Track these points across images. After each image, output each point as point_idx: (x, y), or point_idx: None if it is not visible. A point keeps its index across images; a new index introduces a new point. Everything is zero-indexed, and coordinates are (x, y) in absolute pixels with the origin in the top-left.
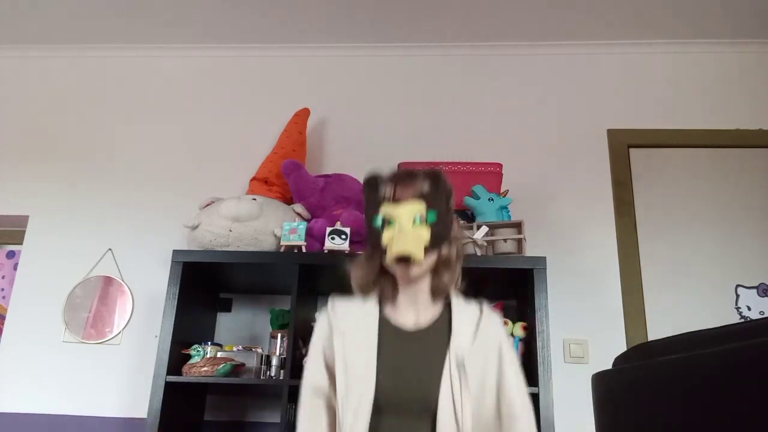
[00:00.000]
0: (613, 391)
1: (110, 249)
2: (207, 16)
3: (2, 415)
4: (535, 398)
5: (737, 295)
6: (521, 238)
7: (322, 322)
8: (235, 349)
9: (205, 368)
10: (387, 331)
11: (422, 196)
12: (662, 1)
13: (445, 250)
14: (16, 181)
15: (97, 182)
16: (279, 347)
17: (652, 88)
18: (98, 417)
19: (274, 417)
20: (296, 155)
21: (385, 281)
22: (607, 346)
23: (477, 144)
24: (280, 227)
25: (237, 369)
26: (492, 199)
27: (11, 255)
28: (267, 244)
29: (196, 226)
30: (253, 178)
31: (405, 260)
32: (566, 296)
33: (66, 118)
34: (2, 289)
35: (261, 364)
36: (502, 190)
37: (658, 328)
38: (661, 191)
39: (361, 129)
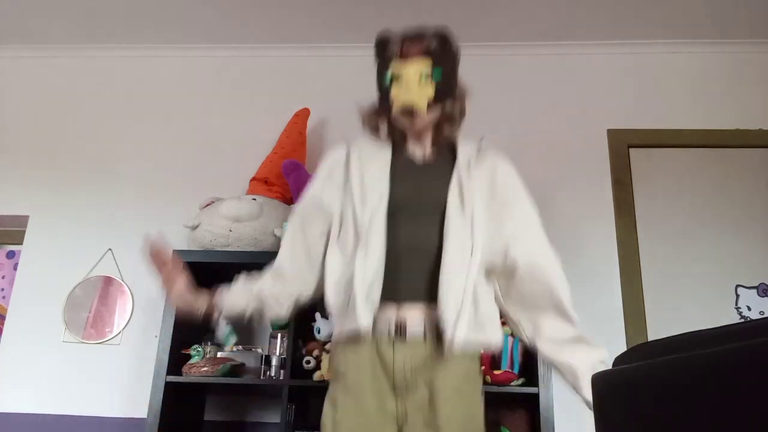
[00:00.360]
0: (613, 391)
1: (110, 249)
2: (207, 17)
3: (2, 415)
4: (535, 398)
5: (737, 295)
6: None
7: (337, 149)
8: (234, 349)
9: (205, 368)
10: (398, 159)
11: (429, 54)
12: (662, 1)
13: (449, 106)
14: (17, 181)
15: (97, 182)
16: (279, 347)
17: (652, 88)
18: (98, 417)
19: (274, 417)
20: (296, 155)
21: (395, 128)
22: (607, 346)
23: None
24: (280, 227)
25: (237, 369)
26: None
27: (11, 255)
28: (267, 244)
29: (196, 227)
30: (253, 178)
31: (409, 112)
32: None
33: (66, 118)
34: (2, 289)
35: (261, 364)
36: None
37: (658, 328)
38: (661, 191)
39: (361, 129)
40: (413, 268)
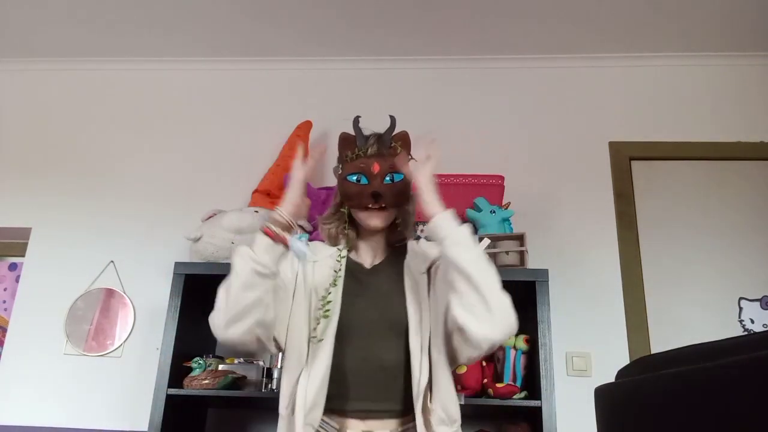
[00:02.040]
0: (616, 404)
1: (112, 261)
2: (209, 30)
3: (3, 428)
4: (537, 411)
5: (740, 308)
6: (523, 251)
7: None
8: (236, 361)
9: (206, 381)
10: (349, 267)
11: (393, 157)
12: (664, 14)
13: (406, 208)
14: (19, 194)
15: (99, 195)
16: (280, 360)
17: (653, 100)
18: (99, 430)
19: (274, 429)
20: None
21: (351, 231)
22: (610, 359)
23: (479, 156)
24: None
25: (238, 382)
26: (494, 212)
27: (13, 267)
28: None
29: (198, 239)
30: (256, 191)
31: (375, 204)
32: (569, 309)
33: (68, 131)
34: (4, 301)
35: (262, 376)
36: (504, 203)
37: (661, 341)
38: (662, 203)
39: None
40: (377, 383)
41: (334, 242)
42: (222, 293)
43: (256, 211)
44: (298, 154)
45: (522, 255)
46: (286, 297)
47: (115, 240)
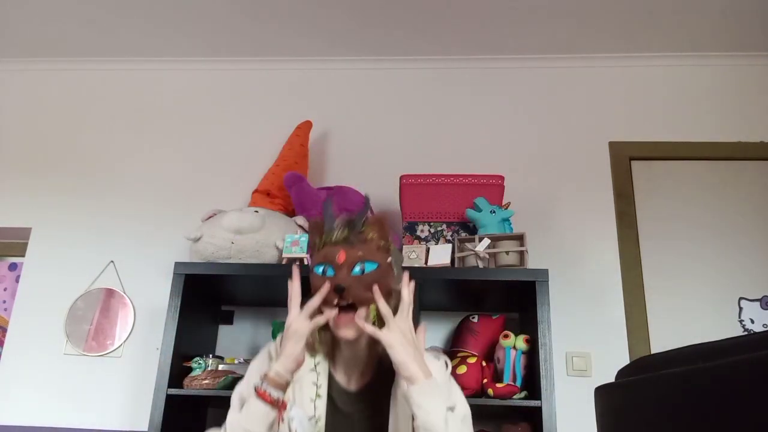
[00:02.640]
0: (616, 404)
1: (112, 261)
2: (209, 30)
3: (3, 428)
4: (537, 412)
5: (740, 308)
6: (523, 251)
7: (269, 350)
8: (236, 361)
9: (207, 381)
10: (332, 390)
11: (364, 243)
12: (663, 14)
13: (382, 303)
14: (19, 194)
15: (99, 194)
16: None
17: (653, 100)
18: (99, 430)
19: None
20: (298, 167)
21: (326, 336)
22: (610, 359)
23: (479, 156)
24: (282, 239)
25: (238, 382)
26: (494, 212)
27: (13, 267)
28: (269, 257)
29: (198, 239)
30: (255, 191)
31: (341, 300)
32: (569, 309)
33: (68, 131)
34: (4, 301)
35: None
36: (503, 203)
37: (661, 341)
38: (663, 203)
39: (363, 141)
40: None
41: (309, 349)
42: None
43: (256, 211)
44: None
45: (522, 255)
46: None
47: (115, 240)
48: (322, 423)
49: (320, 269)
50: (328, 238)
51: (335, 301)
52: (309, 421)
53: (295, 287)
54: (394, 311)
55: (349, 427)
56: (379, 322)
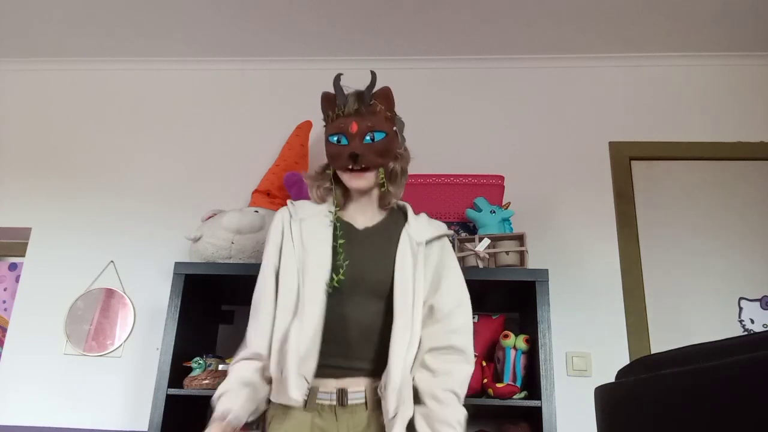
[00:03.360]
0: (616, 404)
1: (112, 261)
2: (208, 30)
3: (3, 428)
4: (537, 411)
5: (740, 308)
6: (523, 251)
7: (281, 214)
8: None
9: (207, 381)
10: (340, 226)
11: (372, 115)
12: (663, 14)
13: (391, 165)
14: (19, 194)
15: (99, 194)
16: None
17: (653, 100)
18: (99, 430)
19: None
20: (298, 167)
21: (337, 191)
22: (610, 359)
23: (479, 156)
24: None
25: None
26: (494, 212)
27: (13, 267)
28: None
29: (198, 239)
30: (255, 191)
31: (355, 165)
32: (569, 309)
33: (68, 131)
34: (4, 301)
35: None
36: (504, 203)
37: (661, 341)
38: (662, 203)
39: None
40: (354, 343)
41: (321, 201)
42: None
43: (256, 211)
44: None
45: (522, 255)
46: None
47: (115, 240)
48: (328, 260)
49: (335, 138)
50: (340, 111)
51: (350, 166)
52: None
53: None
54: (400, 173)
55: (354, 256)
56: (388, 181)
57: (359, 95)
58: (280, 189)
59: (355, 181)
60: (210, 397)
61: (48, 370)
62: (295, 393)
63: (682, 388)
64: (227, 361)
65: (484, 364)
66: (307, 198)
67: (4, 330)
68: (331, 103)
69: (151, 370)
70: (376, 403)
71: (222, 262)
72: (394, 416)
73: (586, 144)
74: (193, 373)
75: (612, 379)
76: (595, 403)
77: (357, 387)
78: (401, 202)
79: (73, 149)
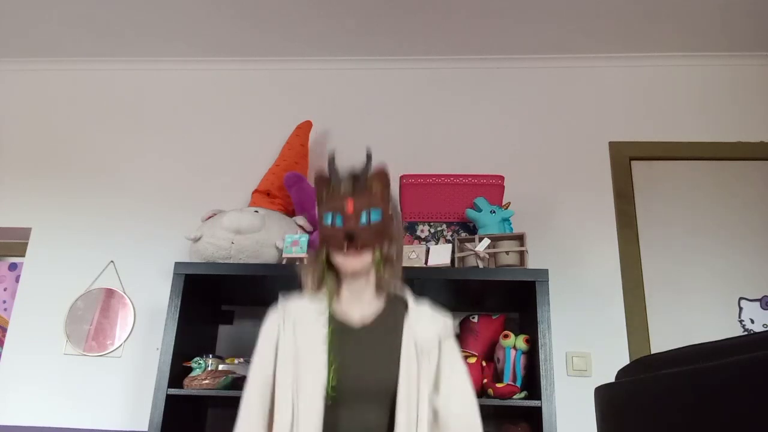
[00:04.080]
0: (616, 404)
1: (112, 261)
2: (208, 30)
3: (3, 428)
4: (537, 411)
5: (740, 308)
6: (523, 251)
7: (274, 315)
8: (236, 361)
9: (207, 381)
10: (335, 325)
11: (368, 195)
12: (663, 14)
13: (386, 247)
14: (19, 194)
15: (99, 194)
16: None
17: (653, 101)
18: (99, 430)
19: None
20: (298, 168)
21: (330, 277)
22: (610, 359)
23: (479, 156)
24: (282, 239)
25: (238, 382)
26: (494, 212)
27: (13, 267)
28: (269, 257)
29: (198, 239)
30: (255, 191)
31: (351, 245)
32: (569, 309)
33: (68, 131)
34: (4, 301)
35: None
36: (504, 203)
37: (661, 341)
38: (663, 204)
39: (362, 141)
40: None
41: (316, 289)
42: None
43: (256, 211)
44: None
45: (522, 255)
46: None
47: (115, 240)
48: (324, 365)
49: (329, 218)
50: (335, 190)
51: (345, 247)
52: (315, 377)
53: None
54: (395, 255)
55: (355, 358)
56: (383, 264)
57: (355, 174)
58: (280, 189)
59: (350, 263)
60: (210, 397)
61: (48, 370)
62: None
63: (682, 388)
64: (227, 361)
65: (484, 364)
66: (307, 198)
67: (4, 330)
68: (325, 182)
69: (151, 370)
70: None
71: (222, 262)
72: None
73: (586, 144)
74: (193, 373)
75: (612, 379)
76: (595, 403)
77: None
78: (399, 289)
79: (73, 149)
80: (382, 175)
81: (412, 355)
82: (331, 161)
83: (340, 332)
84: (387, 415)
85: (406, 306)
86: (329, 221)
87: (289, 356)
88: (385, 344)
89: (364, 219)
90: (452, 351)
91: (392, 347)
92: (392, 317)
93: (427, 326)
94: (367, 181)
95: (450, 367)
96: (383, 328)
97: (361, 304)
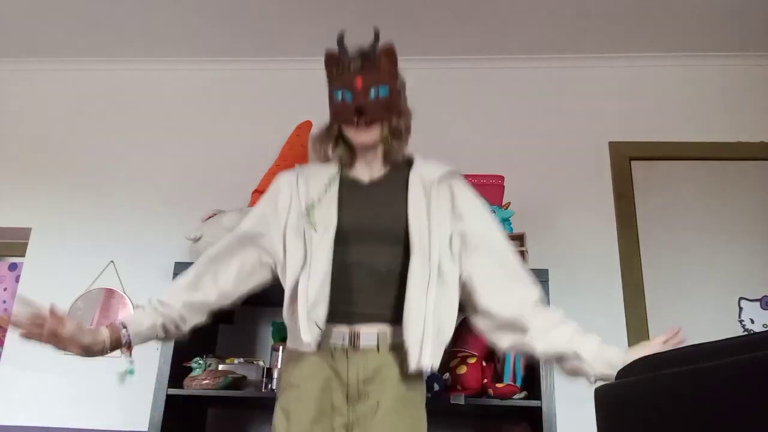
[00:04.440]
0: (616, 404)
1: (112, 261)
2: (208, 30)
3: (3, 428)
4: (537, 411)
5: (740, 308)
6: (523, 251)
7: (286, 174)
8: (236, 361)
9: (206, 381)
10: (346, 182)
11: (377, 72)
12: (663, 14)
13: (395, 121)
14: (19, 194)
15: (99, 195)
16: (280, 360)
17: (653, 101)
18: (99, 430)
19: None
20: None
21: (343, 149)
22: None
23: (479, 156)
24: None
25: (238, 382)
26: (494, 212)
27: (13, 267)
28: None
29: (199, 239)
30: (255, 191)
31: (361, 119)
32: (568, 309)
33: (68, 131)
34: (4, 301)
35: (262, 376)
36: (504, 203)
37: None
38: (662, 204)
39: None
40: (366, 290)
41: (326, 160)
42: None
43: None
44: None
45: (522, 255)
46: (276, 224)
47: (115, 240)
48: (334, 212)
49: (339, 94)
50: (345, 68)
51: (356, 122)
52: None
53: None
54: (404, 129)
55: (364, 205)
56: (392, 136)
57: (363, 51)
58: None
59: (361, 137)
60: (210, 397)
61: (47, 370)
62: (307, 336)
63: (682, 388)
64: (227, 361)
65: (484, 364)
66: None
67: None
68: (334, 59)
69: (151, 370)
70: (388, 348)
71: None
72: (421, 343)
73: (586, 144)
74: (193, 373)
75: (612, 379)
76: (595, 403)
77: (369, 330)
78: (407, 154)
79: (73, 149)
80: (390, 52)
81: (420, 194)
82: (340, 40)
83: (350, 186)
84: (399, 262)
85: (413, 163)
86: (339, 98)
87: (302, 203)
88: (392, 191)
89: (373, 94)
90: (464, 188)
91: (399, 191)
92: (400, 173)
93: (434, 168)
94: (375, 58)
95: (464, 198)
96: (392, 181)
97: (370, 170)
